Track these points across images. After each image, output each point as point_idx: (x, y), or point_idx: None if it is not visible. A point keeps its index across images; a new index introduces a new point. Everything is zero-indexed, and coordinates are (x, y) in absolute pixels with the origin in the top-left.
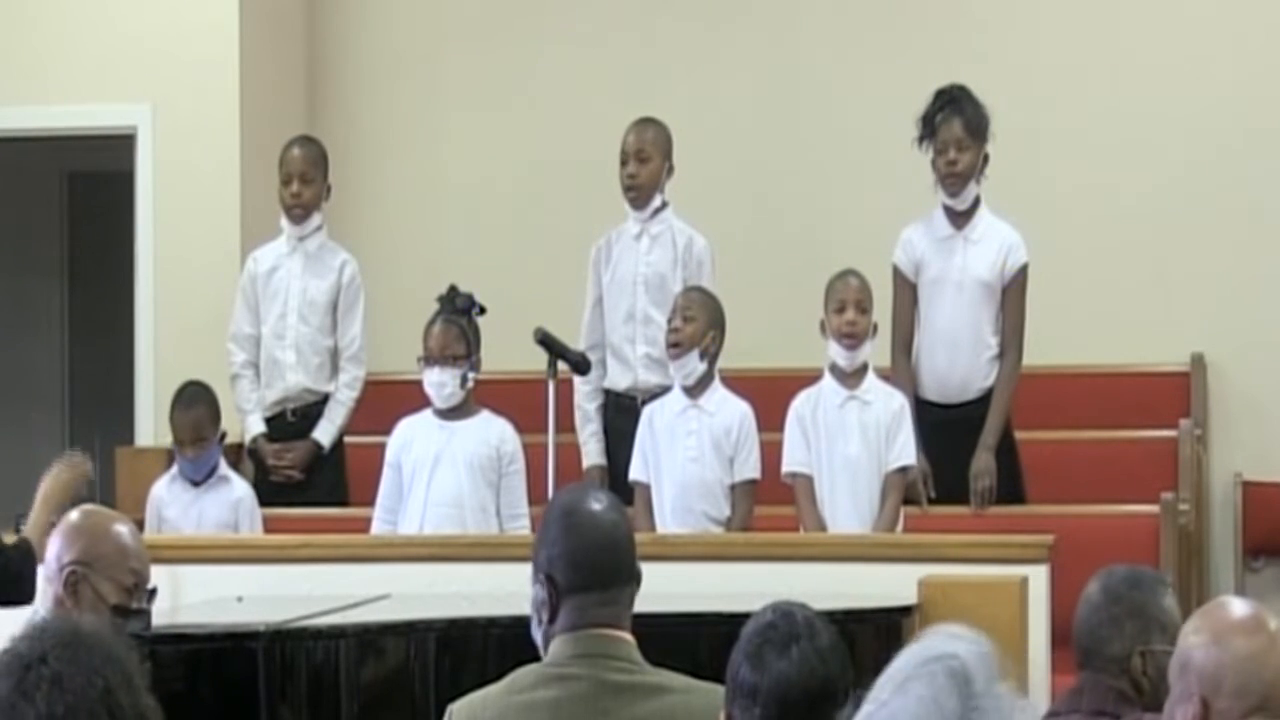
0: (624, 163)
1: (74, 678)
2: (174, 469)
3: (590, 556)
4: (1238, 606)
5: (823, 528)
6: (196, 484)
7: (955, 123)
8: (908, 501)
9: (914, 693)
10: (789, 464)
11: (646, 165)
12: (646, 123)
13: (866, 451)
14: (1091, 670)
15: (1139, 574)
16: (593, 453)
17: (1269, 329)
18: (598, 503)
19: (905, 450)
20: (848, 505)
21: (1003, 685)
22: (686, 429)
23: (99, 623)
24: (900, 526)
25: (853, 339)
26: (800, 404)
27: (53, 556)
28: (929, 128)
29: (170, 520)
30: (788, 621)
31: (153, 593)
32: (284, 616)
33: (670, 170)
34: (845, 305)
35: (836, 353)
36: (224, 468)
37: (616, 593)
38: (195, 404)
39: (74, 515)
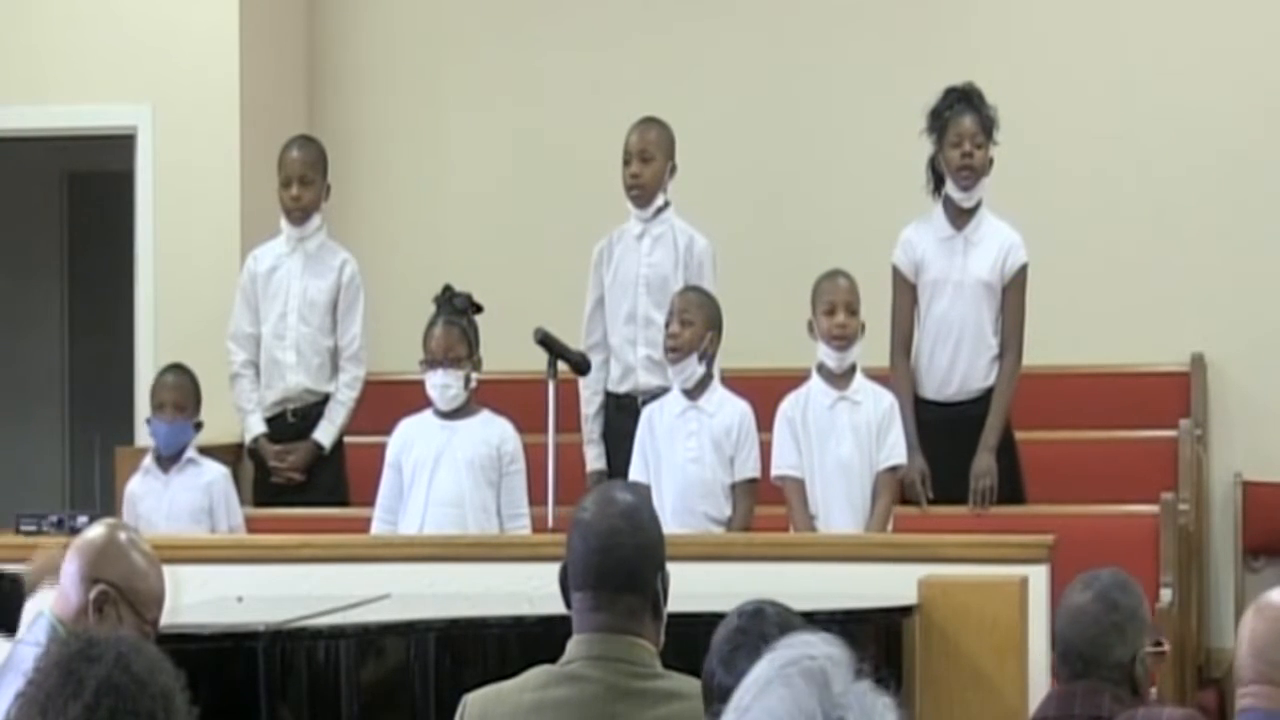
0: (627, 162)
1: (138, 663)
2: (146, 461)
3: (584, 559)
4: None
5: (813, 530)
6: (167, 469)
7: (968, 118)
8: (907, 502)
9: (774, 695)
10: (779, 467)
11: (649, 165)
12: (649, 122)
13: (859, 452)
14: (1093, 679)
15: (1122, 577)
16: (591, 457)
17: (1269, 329)
18: (608, 506)
19: (895, 449)
20: (842, 506)
21: (863, 684)
22: (686, 430)
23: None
24: (891, 526)
25: (843, 341)
26: (789, 406)
27: (83, 565)
28: (938, 122)
29: (144, 513)
30: (757, 621)
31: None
32: (284, 616)
33: (673, 170)
34: (835, 308)
35: (826, 354)
36: (193, 452)
37: (608, 598)
38: (183, 374)
39: (110, 532)
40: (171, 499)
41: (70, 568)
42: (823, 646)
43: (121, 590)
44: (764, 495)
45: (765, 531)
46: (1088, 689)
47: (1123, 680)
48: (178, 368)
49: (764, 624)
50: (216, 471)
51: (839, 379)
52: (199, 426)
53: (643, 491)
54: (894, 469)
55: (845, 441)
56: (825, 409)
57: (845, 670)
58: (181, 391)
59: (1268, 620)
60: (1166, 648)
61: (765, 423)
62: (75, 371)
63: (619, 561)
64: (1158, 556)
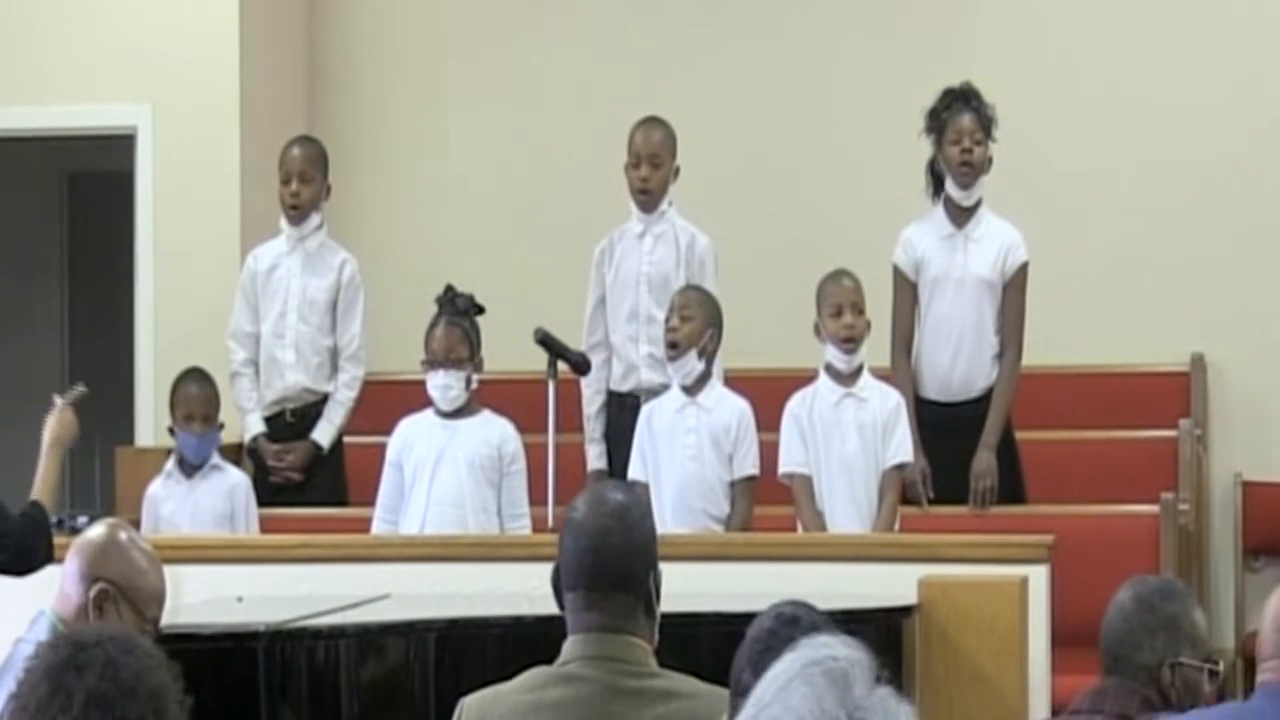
0: (635, 164)
1: (128, 667)
2: (168, 466)
3: (575, 558)
4: None
5: (822, 527)
6: (190, 475)
7: (966, 116)
8: (907, 501)
9: (795, 693)
10: (786, 464)
11: (659, 170)
12: (656, 124)
13: (864, 449)
14: (1119, 676)
15: (1172, 586)
16: (592, 457)
17: (1269, 329)
18: (599, 505)
19: (902, 447)
20: (846, 504)
21: (885, 689)
22: (685, 427)
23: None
24: (898, 525)
25: (851, 342)
26: (796, 404)
27: (83, 564)
28: (936, 122)
29: (166, 516)
30: (791, 627)
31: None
32: (284, 616)
33: (676, 172)
34: (842, 309)
35: (835, 356)
36: (217, 457)
37: (600, 598)
38: (207, 383)
39: (110, 530)
40: (196, 503)
41: (70, 566)
42: (844, 649)
43: (121, 588)
44: (765, 494)
45: (766, 531)
46: (1120, 688)
47: (1149, 684)
48: (201, 376)
49: (796, 630)
50: (239, 476)
51: (846, 377)
52: (221, 427)
53: (636, 490)
54: (900, 467)
55: (850, 438)
56: (831, 406)
57: (866, 674)
58: (209, 403)
59: None
60: (1220, 668)
61: (766, 423)
62: (75, 371)
63: (609, 560)
64: (1158, 556)
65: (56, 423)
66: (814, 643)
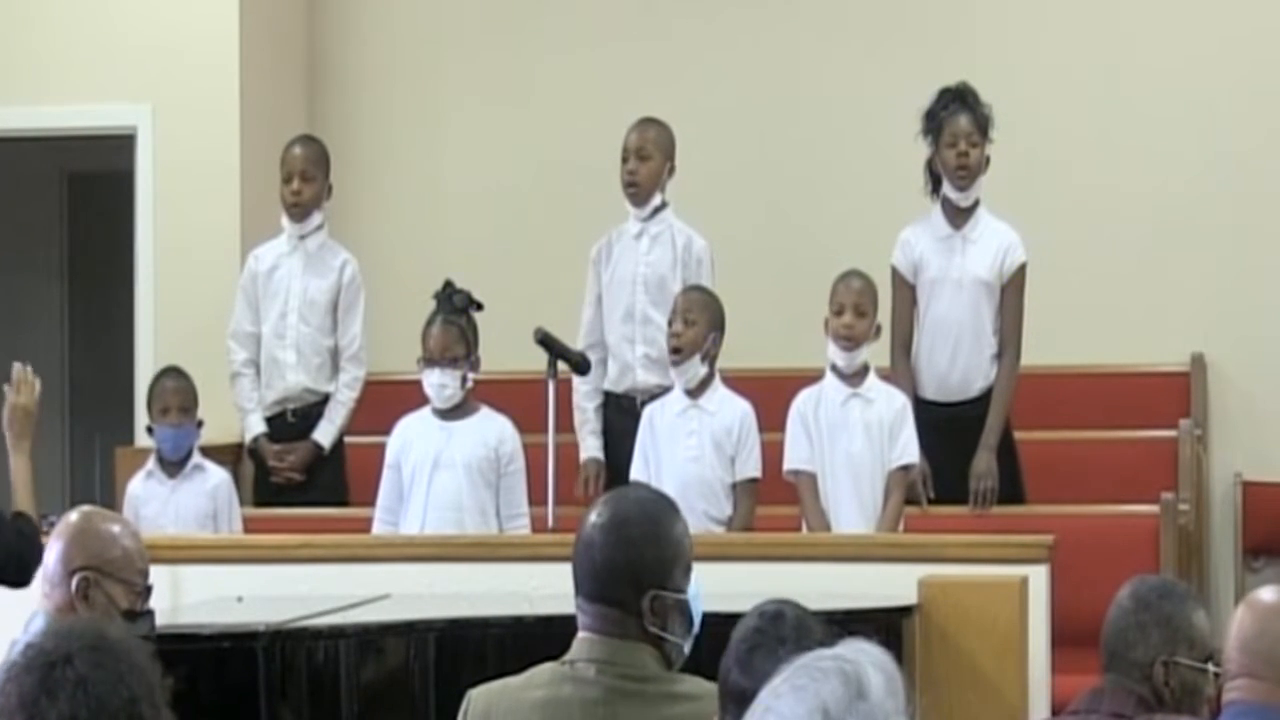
0: (625, 159)
1: (100, 682)
2: (149, 464)
3: (573, 560)
4: None
5: (826, 525)
6: (172, 474)
7: (963, 118)
8: (908, 502)
9: (806, 686)
10: (791, 461)
11: (647, 163)
12: (649, 122)
13: (869, 449)
14: (1115, 673)
15: (1172, 585)
16: (590, 447)
17: (1269, 329)
18: (603, 513)
19: (908, 449)
20: (851, 503)
21: (899, 703)
22: (687, 429)
23: (124, 630)
24: (902, 525)
25: (849, 341)
26: (802, 402)
27: (57, 560)
28: (934, 123)
29: (149, 517)
30: (776, 624)
31: (149, 590)
32: (284, 616)
33: (671, 171)
34: (844, 308)
35: (835, 353)
36: (198, 456)
37: (586, 603)
38: (183, 377)
39: (76, 518)
40: (178, 504)
41: (50, 565)
42: (874, 654)
43: (99, 569)
44: (767, 495)
45: (768, 531)
46: (1117, 687)
47: (1143, 680)
48: (175, 371)
49: (782, 626)
50: (220, 475)
51: (852, 377)
52: (200, 425)
53: (652, 508)
54: (906, 468)
55: (856, 438)
56: (838, 405)
57: (884, 686)
58: (184, 394)
59: (1255, 615)
60: (1216, 670)
61: (765, 423)
62: (75, 371)
63: (588, 571)
64: (1158, 556)
65: (6, 412)
66: (850, 645)
